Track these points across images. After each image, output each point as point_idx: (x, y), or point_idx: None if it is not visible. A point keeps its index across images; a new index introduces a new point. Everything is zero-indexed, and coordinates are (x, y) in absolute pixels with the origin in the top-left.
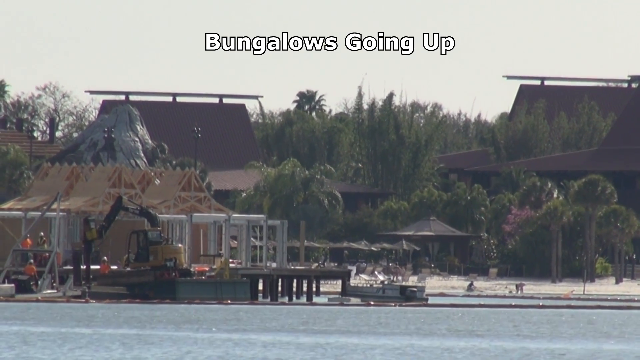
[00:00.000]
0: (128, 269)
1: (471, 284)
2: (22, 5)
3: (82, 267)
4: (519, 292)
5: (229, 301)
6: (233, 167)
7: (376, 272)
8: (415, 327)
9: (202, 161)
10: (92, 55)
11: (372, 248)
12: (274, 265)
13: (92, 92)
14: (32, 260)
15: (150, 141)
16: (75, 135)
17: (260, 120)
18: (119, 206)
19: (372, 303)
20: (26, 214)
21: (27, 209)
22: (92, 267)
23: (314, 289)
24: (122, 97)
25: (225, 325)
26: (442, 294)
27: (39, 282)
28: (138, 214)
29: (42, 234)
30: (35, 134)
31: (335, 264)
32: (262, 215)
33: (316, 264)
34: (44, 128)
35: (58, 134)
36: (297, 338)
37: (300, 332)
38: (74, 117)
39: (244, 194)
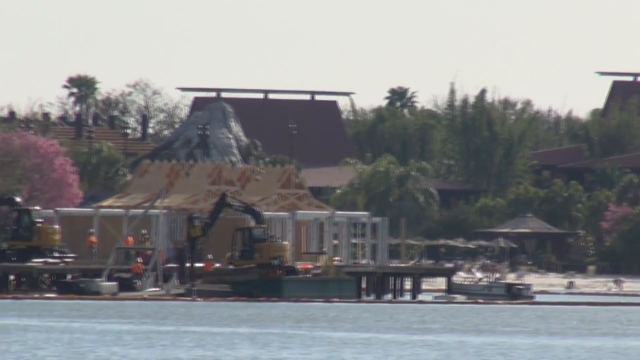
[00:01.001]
0: (231, 266)
1: (572, 282)
2: (112, 2)
3: (186, 265)
4: (619, 288)
5: (336, 299)
6: (325, 164)
7: (474, 270)
8: (545, 325)
9: (294, 158)
10: (183, 52)
11: (469, 245)
12: (371, 262)
13: (183, 89)
14: (139, 259)
15: (244, 138)
16: (166, 132)
17: (351, 117)
18: (223, 203)
19: (480, 301)
20: (128, 212)
21: (127, 207)
22: (196, 265)
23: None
24: (213, 94)
25: (355, 324)
26: (544, 292)
27: (142, 280)
28: (242, 211)
29: (144, 231)
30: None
31: (432, 262)
32: (365, 213)
33: (412, 261)
34: (135, 125)
35: (149, 131)
36: (438, 337)
37: (436, 331)
38: (165, 114)
39: (339, 191)
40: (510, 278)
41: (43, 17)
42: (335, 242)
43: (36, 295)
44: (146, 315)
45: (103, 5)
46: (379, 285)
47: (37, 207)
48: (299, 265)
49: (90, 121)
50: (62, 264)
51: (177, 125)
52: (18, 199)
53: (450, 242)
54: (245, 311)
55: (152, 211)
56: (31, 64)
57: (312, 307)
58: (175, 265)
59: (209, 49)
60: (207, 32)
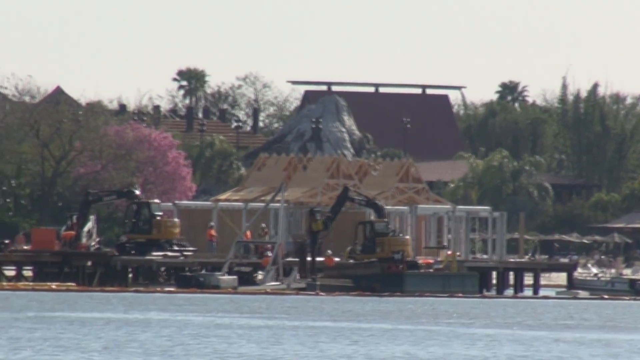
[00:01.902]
0: (351, 260)
1: None
2: None
3: (307, 259)
4: None
5: (460, 294)
6: (435, 157)
7: (589, 265)
8: None
9: (406, 152)
10: (293, 45)
11: (584, 240)
12: (484, 257)
13: (293, 83)
14: (269, 253)
15: (357, 132)
16: (276, 125)
17: (462, 111)
18: (345, 197)
19: (605, 297)
20: (247, 205)
21: (245, 200)
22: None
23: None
24: (324, 88)
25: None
26: None
27: (263, 274)
28: (364, 204)
29: (263, 225)
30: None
31: (546, 257)
32: (486, 207)
33: (527, 256)
34: (244, 118)
35: (259, 124)
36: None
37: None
38: (275, 108)
39: (452, 185)
40: (626, 274)
41: (153, 9)
42: (449, 236)
43: (158, 289)
44: (282, 310)
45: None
46: (500, 280)
47: (157, 200)
48: (420, 260)
49: (200, 114)
50: (181, 258)
51: (287, 119)
52: (137, 192)
53: (565, 237)
54: (379, 306)
55: (272, 205)
56: (141, 57)
57: (445, 302)
58: (295, 259)
59: (319, 42)
60: (318, 25)
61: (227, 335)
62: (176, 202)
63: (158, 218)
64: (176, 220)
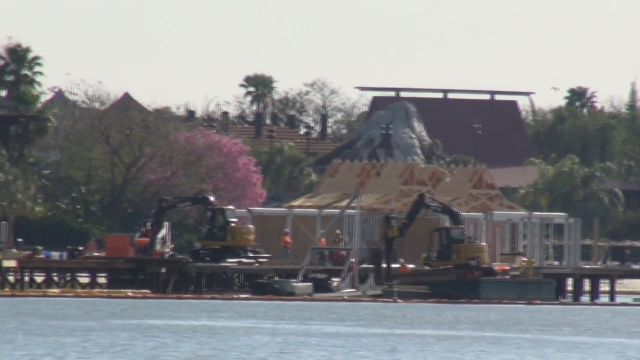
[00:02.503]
0: (427, 267)
1: None
2: (287, 3)
3: (382, 265)
4: None
5: (537, 301)
6: (504, 164)
7: None
8: None
9: (477, 158)
10: (362, 51)
11: None
12: (555, 263)
13: (361, 89)
14: (353, 259)
15: (426, 138)
16: (344, 131)
17: (530, 117)
18: (420, 203)
19: None
20: (321, 212)
21: (318, 206)
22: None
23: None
24: (392, 94)
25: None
26: None
27: (339, 281)
28: (440, 211)
29: (338, 231)
30: (303, 131)
31: (617, 263)
32: (562, 214)
33: (599, 263)
34: (312, 124)
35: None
36: None
37: None
38: (343, 114)
39: (522, 191)
40: None
41: (221, 16)
42: (524, 243)
43: (234, 296)
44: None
45: (281, 5)
46: (576, 287)
47: (231, 207)
48: (496, 267)
49: (268, 120)
50: (256, 264)
51: (354, 125)
52: (212, 198)
53: (636, 244)
54: (460, 313)
55: (347, 211)
56: (208, 63)
57: (526, 309)
58: (370, 265)
59: (388, 48)
60: (386, 32)
61: (341, 344)
62: (250, 208)
63: (232, 225)
64: (251, 226)
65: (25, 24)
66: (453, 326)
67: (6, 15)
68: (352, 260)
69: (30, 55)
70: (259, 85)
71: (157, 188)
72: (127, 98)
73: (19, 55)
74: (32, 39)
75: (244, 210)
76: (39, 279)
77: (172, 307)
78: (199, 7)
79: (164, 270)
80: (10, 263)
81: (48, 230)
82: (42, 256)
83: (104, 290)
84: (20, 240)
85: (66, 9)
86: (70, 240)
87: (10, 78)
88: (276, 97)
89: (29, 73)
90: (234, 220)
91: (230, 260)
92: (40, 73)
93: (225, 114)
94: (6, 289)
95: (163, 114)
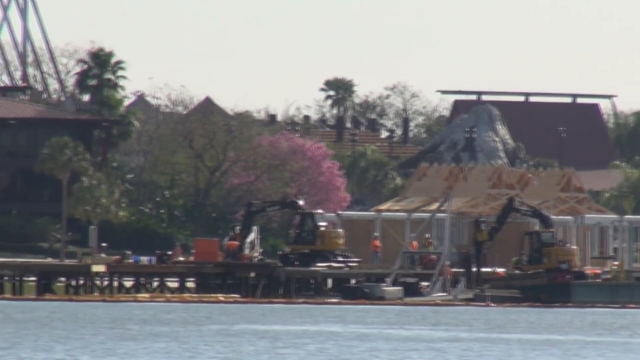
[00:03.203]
0: (517, 271)
1: None
2: (368, 7)
3: (472, 269)
4: None
5: (631, 305)
6: (586, 167)
7: None
8: None
9: (560, 161)
10: (443, 55)
11: None
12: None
13: (443, 92)
14: (448, 262)
15: (510, 141)
16: (424, 135)
17: (611, 120)
18: (510, 207)
19: None
20: (410, 215)
21: (405, 210)
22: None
23: None
24: (474, 97)
25: None
26: None
27: (430, 285)
28: (530, 215)
29: (427, 235)
30: (384, 134)
31: None
32: None
33: None
34: (393, 128)
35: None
36: None
37: None
38: (423, 117)
39: (607, 195)
40: None
41: (300, 20)
42: (614, 246)
43: (326, 300)
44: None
45: (361, 8)
46: None
47: (320, 211)
48: (587, 270)
49: (348, 124)
50: (346, 269)
51: (435, 128)
52: (301, 202)
53: None
54: (560, 318)
55: (426, 215)
56: (289, 67)
57: (625, 313)
58: (461, 269)
59: (469, 51)
60: (467, 35)
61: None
62: (339, 212)
63: (322, 229)
64: (340, 230)
65: (108, 28)
66: (584, 331)
67: (89, 19)
68: (447, 263)
69: (113, 60)
70: (339, 89)
71: (240, 192)
72: (208, 102)
73: (102, 60)
74: (114, 43)
75: (333, 214)
76: (128, 283)
77: (270, 312)
78: (280, 11)
79: (252, 274)
80: (100, 268)
81: (132, 235)
82: (131, 261)
83: (195, 295)
84: (104, 245)
85: (147, 13)
86: (154, 245)
87: (93, 82)
88: (356, 100)
89: (112, 77)
90: (324, 224)
91: (320, 264)
92: (123, 77)
93: (306, 117)
94: (95, 294)
95: (246, 118)
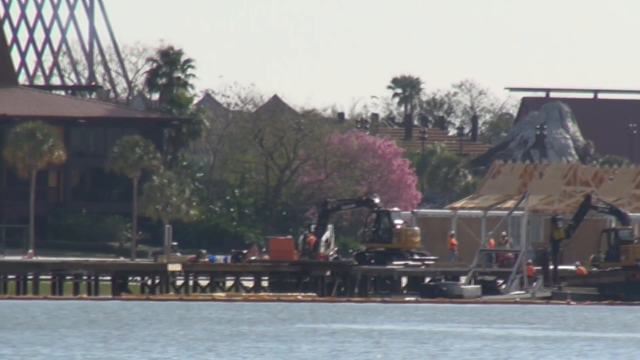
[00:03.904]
0: (594, 269)
1: None
2: (434, 4)
3: (549, 267)
4: None
5: None
6: None
7: None
8: None
9: (627, 158)
10: (511, 52)
11: None
12: None
13: (511, 89)
14: (530, 260)
15: (581, 138)
16: (491, 133)
17: None
18: (587, 205)
19: None
20: (486, 213)
21: (480, 208)
22: (560, 267)
23: None
24: (542, 95)
25: None
26: None
27: (507, 283)
28: (607, 212)
29: (503, 233)
30: (451, 132)
31: None
32: None
33: None
34: (460, 125)
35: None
36: None
37: None
38: (491, 115)
39: None
40: None
41: (367, 18)
42: None
43: (405, 299)
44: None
45: (428, 6)
46: None
47: (396, 209)
48: None
49: (416, 122)
50: (422, 267)
51: (502, 125)
52: (377, 200)
53: None
54: None
55: (502, 213)
56: (356, 65)
57: None
58: (537, 267)
59: (537, 48)
60: (535, 32)
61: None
62: (414, 210)
63: (398, 227)
64: (416, 228)
65: (175, 27)
66: None
67: (158, 18)
68: (529, 261)
69: (183, 58)
70: (406, 86)
71: (311, 190)
72: (275, 100)
73: (171, 58)
74: (182, 41)
75: (408, 212)
76: (203, 282)
77: (351, 311)
78: (346, 9)
79: (328, 273)
80: (176, 267)
81: (202, 233)
82: (206, 260)
83: (273, 294)
84: (174, 243)
85: (214, 11)
86: (224, 244)
87: (163, 81)
88: (423, 98)
89: (181, 76)
90: (400, 222)
91: (396, 262)
92: (193, 75)
93: (375, 115)
94: (171, 293)
95: (315, 116)
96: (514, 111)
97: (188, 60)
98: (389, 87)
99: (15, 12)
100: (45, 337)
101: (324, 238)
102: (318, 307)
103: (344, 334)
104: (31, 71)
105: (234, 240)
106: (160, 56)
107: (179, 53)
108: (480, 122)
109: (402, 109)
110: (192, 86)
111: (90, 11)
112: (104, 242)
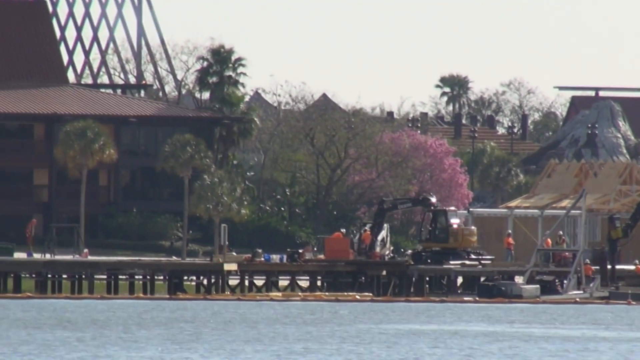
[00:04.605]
0: None
1: None
2: (482, 3)
3: (607, 267)
4: None
5: None
6: None
7: None
8: None
9: None
10: (560, 51)
11: None
12: None
13: (560, 88)
14: (587, 260)
15: (632, 137)
16: (542, 132)
17: None
18: None
19: None
20: (542, 212)
21: (536, 207)
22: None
23: None
24: (592, 93)
25: None
26: None
27: (565, 283)
28: None
29: (560, 233)
30: (500, 131)
31: None
32: None
33: None
34: (512, 125)
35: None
36: None
37: None
38: (540, 114)
39: None
40: None
41: (416, 17)
42: None
43: (462, 299)
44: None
45: (475, 4)
46: None
47: (453, 208)
48: None
49: (464, 120)
50: (479, 267)
51: (551, 124)
52: (433, 200)
53: None
54: None
55: (560, 212)
56: (404, 64)
57: None
58: (595, 267)
59: (587, 46)
60: (583, 31)
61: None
62: (471, 209)
63: (455, 226)
64: (473, 228)
65: (224, 25)
66: None
67: (208, 15)
68: (587, 261)
69: (234, 57)
70: (455, 85)
71: (362, 190)
72: (324, 99)
73: (222, 57)
74: (232, 39)
75: (464, 211)
76: (259, 282)
77: (414, 311)
78: (394, 8)
79: (384, 273)
80: (232, 266)
81: (253, 233)
82: (262, 259)
83: (330, 293)
84: (225, 243)
85: (263, 9)
86: (275, 243)
87: (213, 79)
88: (471, 97)
89: (232, 74)
90: (456, 221)
91: (453, 262)
92: (244, 74)
93: (425, 114)
94: (227, 293)
95: (366, 115)
96: (562, 110)
97: (239, 59)
98: (437, 86)
99: (62, 10)
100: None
101: (379, 237)
102: (385, 307)
103: (462, 334)
104: (79, 70)
105: (285, 239)
106: (211, 55)
107: (230, 52)
108: (529, 120)
109: (450, 108)
110: (242, 85)
111: (138, 10)
112: (155, 241)
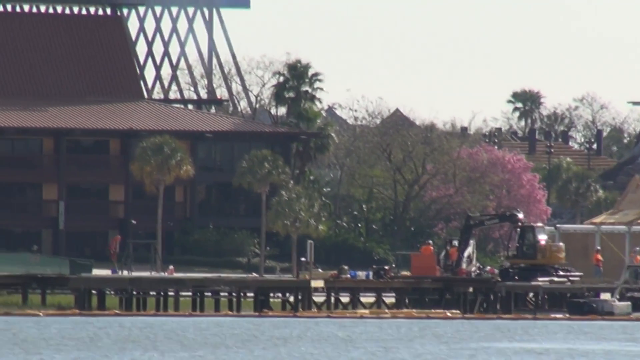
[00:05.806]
0: None
1: None
2: (554, 18)
3: None
4: None
5: None
6: None
7: None
8: None
9: None
10: (633, 65)
11: None
12: None
13: (634, 103)
14: None
15: None
16: (614, 147)
17: None
18: None
19: None
20: (630, 228)
21: (622, 223)
22: None
23: None
24: None
25: None
26: None
27: None
28: None
29: (637, 248)
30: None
31: None
32: None
33: None
34: (587, 140)
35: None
36: None
37: None
38: (612, 129)
39: None
40: None
41: (488, 32)
42: None
43: (552, 316)
44: None
45: (547, 20)
46: None
47: (540, 224)
48: None
49: (538, 136)
50: (567, 283)
51: (625, 140)
52: (520, 216)
53: None
54: None
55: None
56: (476, 79)
57: None
58: None
59: None
60: None
61: None
62: (557, 225)
63: (542, 242)
64: (561, 244)
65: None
66: None
67: (284, 31)
68: None
69: (311, 72)
70: (527, 100)
71: (439, 205)
72: (398, 114)
73: (299, 72)
74: (310, 54)
75: (551, 227)
76: (344, 299)
77: (509, 329)
78: (467, 23)
79: (471, 289)
80: (318, 283)
81: (330, 249)
82: (348, 276)
83: (420, 310)
84: (302, 259)
85: (334, 25)
86: (352, 259)
87: (290, 94)
88: (544, 112)
89: (309, 89)
90: (544, 237)
91: (541, 279)
92: (321, 89)
93: (499, 130)
94: (313, 310)
95: (438, 130)
96: (635, 125)
97: (316, 74)
98: (509, 102)
99: (133, 25)
100: None
101: (466, 254)
102: (478, 325)
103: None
104: (150, 85)
105: (363, 256)
106: (288, 69)
107: (307, 67)
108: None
109: (522, 123)
110: (319, 100)
111: (209, 24)
112: (231, 257)
